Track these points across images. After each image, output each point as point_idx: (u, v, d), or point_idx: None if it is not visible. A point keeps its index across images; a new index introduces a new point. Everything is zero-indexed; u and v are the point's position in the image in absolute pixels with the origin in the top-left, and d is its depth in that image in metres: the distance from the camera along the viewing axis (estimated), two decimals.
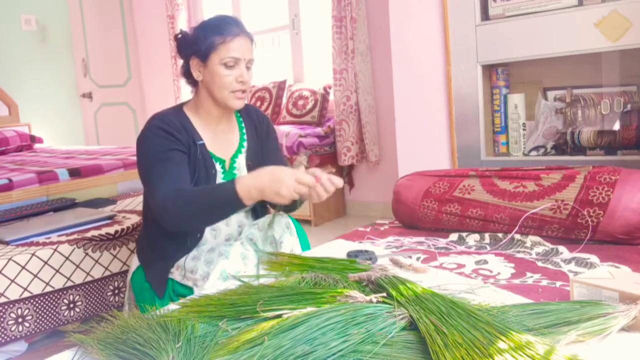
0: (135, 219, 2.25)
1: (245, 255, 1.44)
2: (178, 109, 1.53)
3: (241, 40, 1.45)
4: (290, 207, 1.55)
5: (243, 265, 1.42)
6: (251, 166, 1.57)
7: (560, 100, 2.31)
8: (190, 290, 1.43)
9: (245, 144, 1.60)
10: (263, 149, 1.63)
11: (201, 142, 1.49)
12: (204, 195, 1.35)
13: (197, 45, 1.45)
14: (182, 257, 1.49)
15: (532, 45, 2.18)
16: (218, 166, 1.53)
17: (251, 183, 1.29)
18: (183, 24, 4.72)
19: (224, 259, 1.40)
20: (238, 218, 1.59)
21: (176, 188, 1.36)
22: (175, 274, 1.47)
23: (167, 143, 1.42)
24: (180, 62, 1.55)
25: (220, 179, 1.53)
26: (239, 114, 1.63)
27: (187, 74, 1.52)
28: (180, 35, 1.51)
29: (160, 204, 1.34)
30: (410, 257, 1.48)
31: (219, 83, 1.45)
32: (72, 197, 2.58)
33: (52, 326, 1.92)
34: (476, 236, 1.67)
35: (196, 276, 1.42)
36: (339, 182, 1.33)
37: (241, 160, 1.58)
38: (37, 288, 1.88)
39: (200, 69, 1.48)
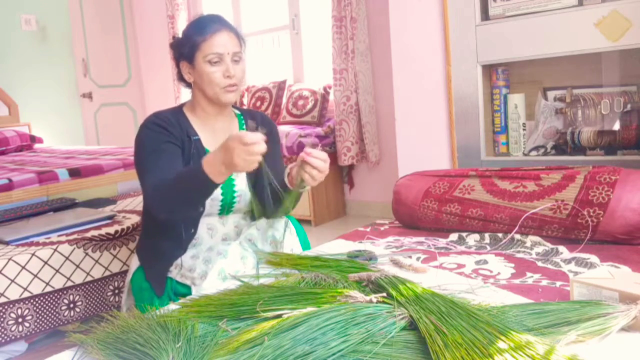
0: (135, 219, 2.25)
1: (243, 256, 1.44)
2: (177, 109, 1.55)
3: (222, 35, 1.45)
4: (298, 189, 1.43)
5: (242, 265, 1.42)
6: None
7: (560, 100, 2.31)
8: (189, 289, 1.43)
9: None
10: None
11: (196, 137, 1.50)
12: (178, 180, 1.33)
13: (182, 49, 1.48)
14: (180, 256, 1.49)
15: (532, 45, 2.18)
16: None
17: (216, 158, 1.24)
18: (183, 24, 4.72)
19: (222, 258, 1.40)
20: (235, 218, 1.59)
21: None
22: (174, 273, 1.48)
23: (160, 137, 1.43)
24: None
25: None
26: (241, 116, 1.63)
27: (181, 78, 1.54)
28: (172, 42, 1.53)
29: (148, 194, 1.36)
30: (410, 257, 1.48)
31: (207, 81, 1.46)
32: (72, 197, 2.58)
33: (52, 326, 1.92)
34: (476, 236, 1.67)
35: (194, 275, 1.42)
36: (323, 156, 1.30)
37: None
38: (37, 288, 1.88)
39: (190, 70, 1.49)
